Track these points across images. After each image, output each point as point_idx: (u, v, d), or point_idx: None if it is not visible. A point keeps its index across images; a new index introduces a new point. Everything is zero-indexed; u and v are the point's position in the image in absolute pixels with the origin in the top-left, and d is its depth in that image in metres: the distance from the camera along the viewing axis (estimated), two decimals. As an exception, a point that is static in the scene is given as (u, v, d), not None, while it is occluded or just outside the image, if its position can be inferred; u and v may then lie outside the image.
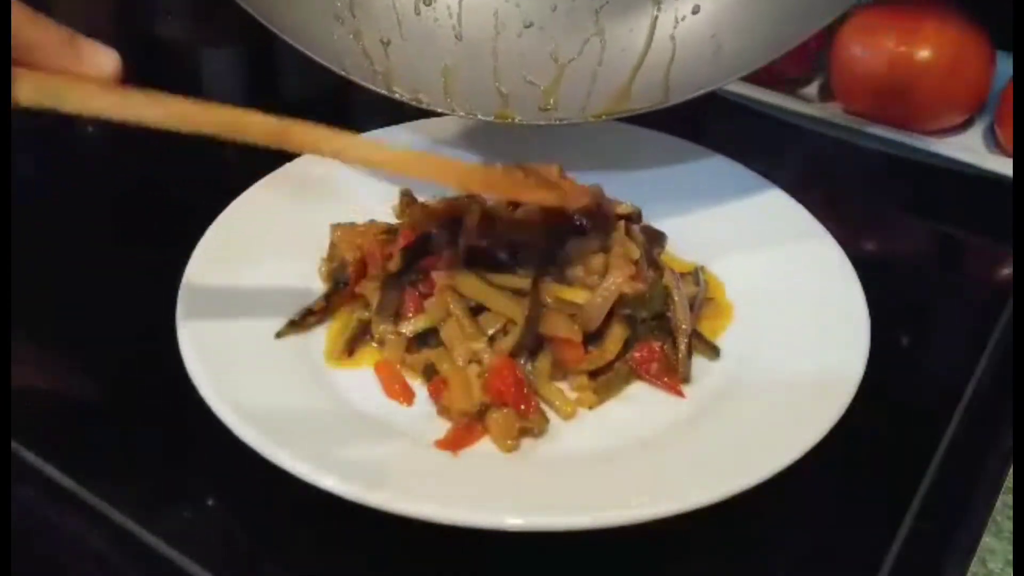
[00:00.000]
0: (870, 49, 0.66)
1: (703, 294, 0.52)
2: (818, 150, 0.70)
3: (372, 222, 0.54)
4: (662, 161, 0.61)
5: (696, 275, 0.53)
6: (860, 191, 0.67)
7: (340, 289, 0.50)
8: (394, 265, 0.50)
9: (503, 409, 0.43)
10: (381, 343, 0.49)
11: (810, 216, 0.56)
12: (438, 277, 0.48)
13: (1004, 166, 0.63)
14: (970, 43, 0.65)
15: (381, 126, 0.62)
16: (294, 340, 0.48)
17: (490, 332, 0.47)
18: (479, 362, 0.46)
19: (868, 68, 0.66)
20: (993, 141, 0.67)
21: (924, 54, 0.64)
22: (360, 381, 0.47)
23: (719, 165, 0.61)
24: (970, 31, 0.65)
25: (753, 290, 0.52)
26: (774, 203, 0.57)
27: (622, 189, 0.58)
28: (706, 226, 0.57)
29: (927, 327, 0.56)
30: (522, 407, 0.43)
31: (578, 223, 0.51)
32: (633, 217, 0.54)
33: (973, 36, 0.65)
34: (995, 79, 0.67)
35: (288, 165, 0.57)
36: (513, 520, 0.38)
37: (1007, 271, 0.61)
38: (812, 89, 0.73)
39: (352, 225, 0.53)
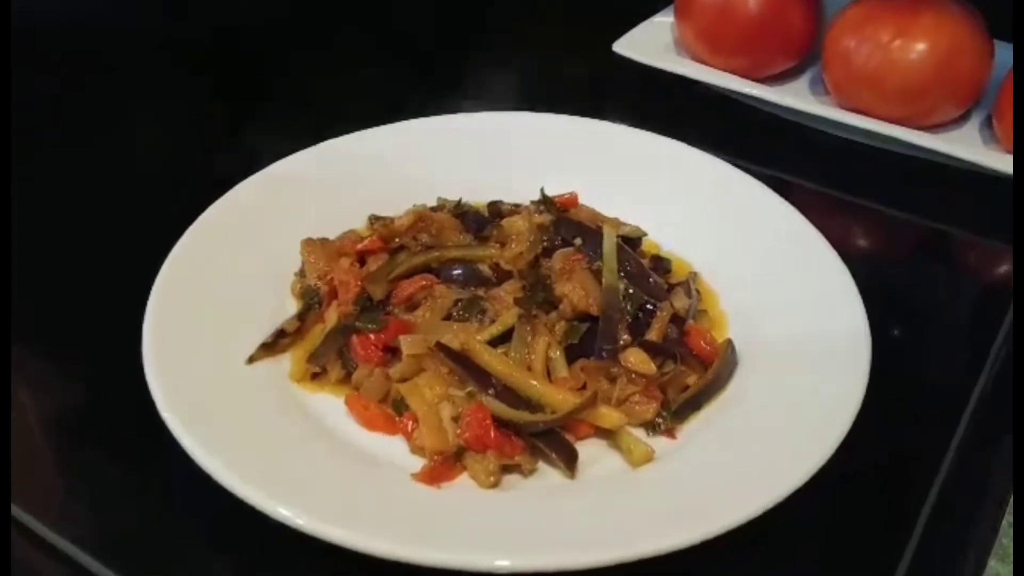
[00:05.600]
0: (864, 42, 0.63)
1: (696, 306, 0.50)
2: (813, 147, 0.67)
3: (351, 232, 0.52)
4: (656, 163, 0.59)
5: (688, 284, 0.50)
6: (854, 188, 0.64)
7: (314, 308, 0.48)
8: (342, 317, 0.47)
9: (484, 452, 0.41)
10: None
11: (805, 221, 0.53)
12: (405, 344, 0.45)
13: (1002, 162, 0.61)
14: (967, 34, 0.63)
15: (380, 124, 0.61)
16: (267, 364, 0.46)
17: (468, 388, 0.44)
18: (451, 402, 0.43)
19: (862, 62, 0.63)
20: (991, 136, 0.64)
21: (919, 47, 0.62)
22: (337, 407, 0.45)
23: (712, 167, 0.58)
24: (967, 21, 0.63)
25: (748, 301, 0.50)
26: (770, 208, 0.55)
27: (616, 191, 0.56)
28: (699, 232, 0.55)
29: (926, 327, 0.55)
30: (506, 449, 0.41)
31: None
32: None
33: (970, 26, 0.63)
34: (993, 70, 0.64)
35: (257, 174, 0.55)
36: (501, 562, 0.36)
37: (1007, 269, 0.59)
38: (803, 82, 0.71)
39: (324, 241, 0.51)
